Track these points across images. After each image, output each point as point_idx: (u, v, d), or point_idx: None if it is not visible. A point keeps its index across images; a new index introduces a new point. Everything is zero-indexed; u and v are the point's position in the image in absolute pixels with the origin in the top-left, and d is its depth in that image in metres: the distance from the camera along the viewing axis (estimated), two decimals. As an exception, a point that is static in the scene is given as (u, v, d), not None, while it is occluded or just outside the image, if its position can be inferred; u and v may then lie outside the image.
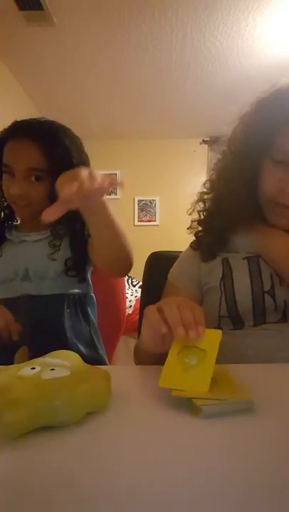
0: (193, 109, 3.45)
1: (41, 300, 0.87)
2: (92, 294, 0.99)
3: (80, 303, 0.93)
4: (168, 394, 0.44)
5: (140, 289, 1.17)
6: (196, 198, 0.84)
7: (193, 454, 0.33)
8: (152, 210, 4.28)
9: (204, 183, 0.84)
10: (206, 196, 0.83)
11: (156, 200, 4.25)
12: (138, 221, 4.27)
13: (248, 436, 0.36)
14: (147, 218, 4.27)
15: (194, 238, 0.84)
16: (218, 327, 0.73)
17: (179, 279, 0.81)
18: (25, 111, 3.10)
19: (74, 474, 0.30)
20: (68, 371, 0.42)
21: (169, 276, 0.84)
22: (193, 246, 0.83)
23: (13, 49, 2.61)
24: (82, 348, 0.89)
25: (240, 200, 0.74)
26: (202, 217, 0.83)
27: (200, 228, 0.83)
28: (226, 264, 0.76)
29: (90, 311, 0.95)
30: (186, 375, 0.46)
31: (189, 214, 0.85)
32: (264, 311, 0.70)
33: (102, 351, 0.97)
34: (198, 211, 0.84)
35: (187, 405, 0.41)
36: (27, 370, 0.42)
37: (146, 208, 4.29)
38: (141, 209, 4.29)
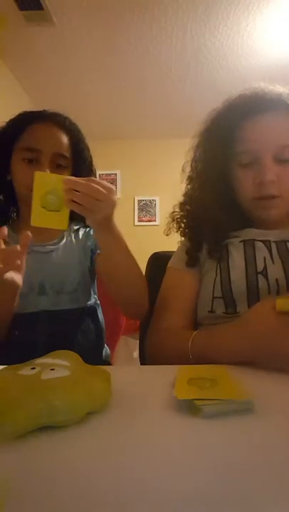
0: (193, 109, 3.46)
1: (59, 314, 0.84)
2: (98, 301, 0.97)
3: (93, 312, 0.92)
4: (168, 394, 0.44)
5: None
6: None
7: (193, 453, 0.33)
8: (152, 210, 4.28)
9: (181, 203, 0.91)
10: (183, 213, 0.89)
11: (156, 200, 4.26)
12: (138, 221, 4.27)
13: (248, 436, 0.36)
14: (147, 218, 4.27)
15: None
16: (211, 310, 0.75)
17: (181, 263, 0.83)
18: (25, 111, 3.08)
19: (74, 474, 0.30)
20: (68, 371, 0.42)
21: (168, 265, 0.86)
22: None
23: (13, 49, 2.61)
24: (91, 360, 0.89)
25: (218, 216, 0.78)
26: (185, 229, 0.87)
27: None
28: (224, 248, 0.79)
29: (100, 318, 0.94)
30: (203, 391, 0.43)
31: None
32: (257, 293, 0.71)
33: (107, 354, 0.97)
34: (179, 228, 0.88)
35: (187, 405, 0.41)
36: (27, 370, 0.42)
37: (146, 208, 4.30)
38: (141, 209, 4.30)
